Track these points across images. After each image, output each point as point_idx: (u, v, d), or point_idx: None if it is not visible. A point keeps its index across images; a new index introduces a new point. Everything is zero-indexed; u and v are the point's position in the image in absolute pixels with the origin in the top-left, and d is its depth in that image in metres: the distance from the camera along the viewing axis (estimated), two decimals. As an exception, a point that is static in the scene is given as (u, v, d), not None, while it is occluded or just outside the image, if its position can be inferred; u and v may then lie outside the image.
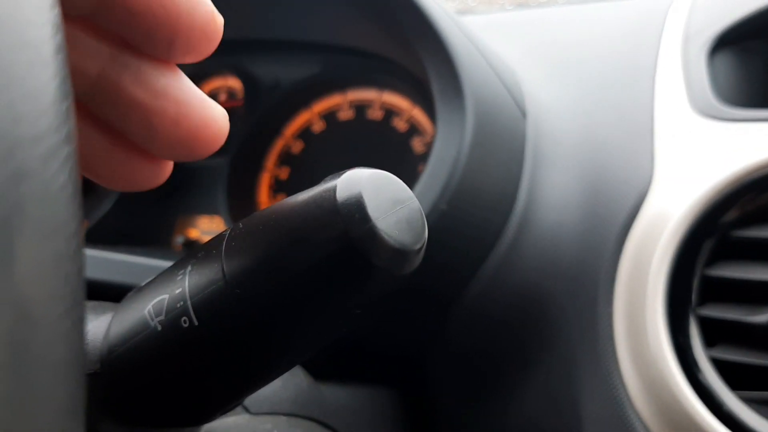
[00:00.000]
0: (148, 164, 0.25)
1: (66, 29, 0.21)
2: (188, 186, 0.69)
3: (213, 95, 0.70)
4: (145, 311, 0.22)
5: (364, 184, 0.20)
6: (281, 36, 0.64)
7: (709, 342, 0.39)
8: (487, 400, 0.48)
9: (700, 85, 0.46)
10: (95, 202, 0.65)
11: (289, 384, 0.37)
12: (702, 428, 0.36)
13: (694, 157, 0.43)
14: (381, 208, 0.19)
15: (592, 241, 0.45)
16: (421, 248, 0.21)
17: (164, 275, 0.23)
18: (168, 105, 0.23)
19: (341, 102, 0.64)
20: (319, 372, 0.41)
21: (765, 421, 0.36)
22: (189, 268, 0.22)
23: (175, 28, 0.22)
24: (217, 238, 0.22)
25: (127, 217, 0.67)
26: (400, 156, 0.60)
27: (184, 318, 0.21)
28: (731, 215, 0.40)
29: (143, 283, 0.24)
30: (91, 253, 0.54)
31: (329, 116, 0.65)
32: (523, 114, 0.49)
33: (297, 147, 0.66)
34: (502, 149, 0.46)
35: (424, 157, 0.59)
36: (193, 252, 0.23)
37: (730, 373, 0.37)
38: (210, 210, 0.67)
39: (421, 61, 0.46)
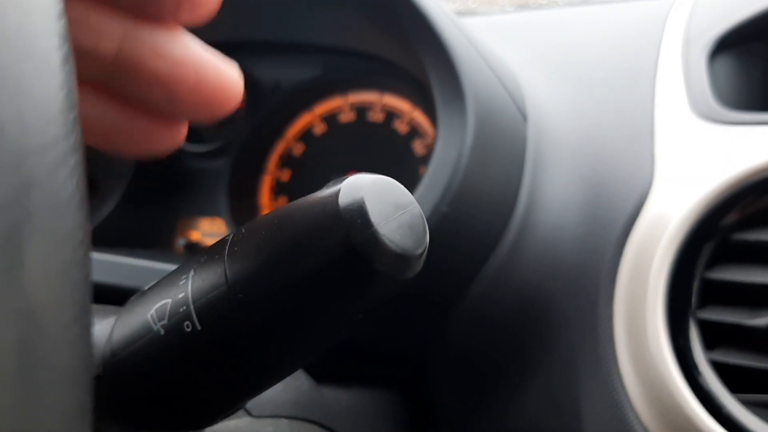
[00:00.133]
0: (167, 128, 0.26)
1: (77, 8, 0.21)
2: (189, 188, 0.69)
3: (214, 97, 0.70)
4: (148, 315, 0.22)
5: (366, 189, 0.20)
6: (282, 38, 0.64)
7: (708, 345, 0.39)
8: (487, 402, 0.48)
9: (701, 87, 0.46)
10: (96, 204, 0.65)
11: (290, 387, 0.37)
12: (701, 431, 0.36)
13: (695, 159, 0.43)
14: (383, 214, 0.20)
15: (593, 243, 0.45)
16: (422, 253, 0.21)
17: (167, 279, 0.23)
18: (187, 72, 0.24)
19: (342, 104, 0.64)
20: (320, 374, 0.41)
21: (765, 424, 0.36)
22: (192, 272, 0.22)
23: None
24: (220, 243, 0.22)
25: (128, 219, 0.67)
26: (400, 158, 0.60)
27: (187, 322, 0.21)
28: (731, 218, 0.40)
29: (146, 287, 0.24)
30: (92, 255, 0.54)
31: (330, 118, 0.65)
32: (524, 117, 0.49)
33: (298, 149, 0.66)
34: (502, 152, 0.47)
35: (425, 159, 0.59)
36: (196, 256, 0.23)
37: (729, 376, 0.37)
38: (211, 212, 0.67)
39: (422, 63, 0.47)
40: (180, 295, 0.22)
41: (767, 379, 0.37)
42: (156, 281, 0.24)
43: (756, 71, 0.51)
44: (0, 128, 0.09)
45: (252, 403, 0.33)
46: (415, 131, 0.60)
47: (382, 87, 0.62)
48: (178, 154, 0.70)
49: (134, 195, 0.67)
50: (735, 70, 0.50)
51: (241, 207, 0.66)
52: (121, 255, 0.54)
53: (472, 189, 0.44)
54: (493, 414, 0.48)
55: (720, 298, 0.39)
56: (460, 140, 0.43)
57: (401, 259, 0.20)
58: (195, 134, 0.70)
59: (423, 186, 0.43)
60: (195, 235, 0.67)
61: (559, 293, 0.45)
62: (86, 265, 0.11)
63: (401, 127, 0.61)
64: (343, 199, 0.20)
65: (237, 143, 0.66)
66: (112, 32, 0.23)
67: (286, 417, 0.35)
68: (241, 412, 0.32)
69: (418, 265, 0.21)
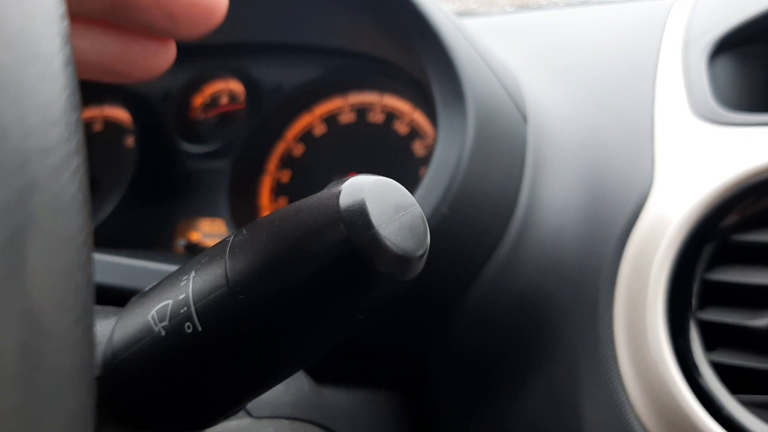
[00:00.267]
0: (162, 47, 0.28)
1: None
2: (190, 189, 0.69)
3: (215, 98, 0.71)
4: (149, 316, 0.22)
5: (367, 191, 0.20)
6: (283, 39, 0.64)
7: (709, 346, 0.39)
8: (488, 403, 0.48)
9: (701, 89, 0.47)
10: (97, 205, 0.65)
11: (290, 387, 0.37)
12: (701, 431, 0.36)
13: (695, 161, 0.43)
14: (384, 215, 0.20)
15: (593, 244, 0.45)
16: (423, 254, 0.21)
17: (168, 280, 0.23)
18: None
19: (342, 105, 0.64)
20: (320, 375, 0.41)
21: (764, 424, 0.36)
22: (193, 273, 0.22)
23: None
24: (221, 244, 0.22)
25: (128, 220, 0.67)
26: (401, 159, 0.60)
27: (187, 323, 0.21)
28: (731, 219, 0.40)
29: (147, 288, 0.24)
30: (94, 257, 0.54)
31: (330, 119, 0.65)
32: (524, 118, 0.49)
33: (298, 150, 0.66)
34: (503, 153, 0.47)
35: (425, 160, 0.59)
36: (197, 257, 0.23)
37: (729, 376, 0.37)
38: (211, 213, 0.67)
39: (422, 64, 0.47)
40: (181, 296, 0.22)
41: (767, 379, 0.37)
42: (157, 282, 0.24)
43: (756, 73, 0.51)
44: (3, 131, 0.09)
45: (252, 404, 0.33)
46: (415, 132, 0.60)
47: (382, 88, 0.62)
48: (179, 155, 0.70)
49: (135, 196, 0.67)
50: (735, 72, 0.50)
51: (241, 208, 0.66)
52: (121, 256, 0.54)
53: (472, 190, 0.44)
54: (493, 414, 0.48)
55: (720, 299, 0.39)
56: (460, 141, 0.43)
57: (402, 260, 0.20)
58: (195, 135, 0.70)
59: (423, 187, 0.43)
60: (195, 236, 0.67)
61: (560, 294, 0.45)
62: (89, 267, 0.11)
63: (401, 128, 0.61)
64: (344, 201, 0.20)
65: (237, 144, 0.66)
66: None
67: (286, 418, 0.35)
68: (241, 413, 0.33)
69: (419, 267, 0.21)
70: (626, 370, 0.40)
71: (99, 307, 0.25)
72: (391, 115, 0.62)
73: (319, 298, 0.20)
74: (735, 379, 0.37)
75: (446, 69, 0.45)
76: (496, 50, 0.53)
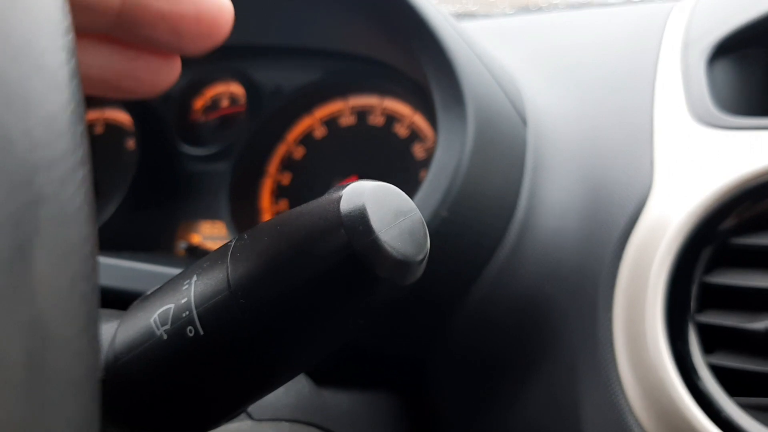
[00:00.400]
0: (167, 63, 0.28)
1: None
2: (190, 191, 0.69)
3: (216, 101, 0.71)
4: (151, 320, 0.23)
5: (367, 196, 0.20)
6: (283, 42, 0.65)
7: (707, 348, 0.39)
8: (488, 404, 0.49)
9: (699, 92, 0.47)
10: (98, 208, 0.66)
11: (291, 390, 0.37)
12: (701, 434, 0.36)
13: (693, 164, 0.43)
14: (384, 220, 0.20)
15: (592, 246, 0.45)
16: (423, 259, 0.21)
17: (170, 284, 0.23)
18: (188, 7, 0.26)
19: (343, 108, 0.64)
20: (321, 377, 0.41)
21: (763, 427, 0.36)
22: (194, 277, 0.22)
23: None
24: (222, 249, 0.23)
25: (129, 222, 0.67)
26: (401, 162, 0.61)
27: (189, 327, 0.21)
28: (730, 222, 0.40)
29: (149, 292, 0.25)
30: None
31: (331, 122, 0.65)
32: (524, 120, 0.50)
33: (299, 152, 0.66)
34: (502, 156, 0.47)
35: (425, 163, 0.60)
36: (198, 261, 0.23)
37: (728, 379, 0.38)
38: (212, 215, 0.67)
39: (422, 67, 0.47)
40: (183, 300, 0.22)
41: (766, 382, 0.37)
42: (159, 286, 0.24)
43: (754, 76, 0.51)
44: (10, 144, 0.09)
45: (253, 407, 0.34)
46: (415, 135, 0.61)
47: (383, 91, 0.62)
48: (179, 158, 0.70)
49: (135, 198, 0.67)
50: (733, 75, 0.50)
51: (241, 210, 0.66)
52: (122, 258, 0.54)
53: (472, 193, 0.44)
54: (493, 416, 0.48)
55: (718, 302, 0.40)
56: (460, 144, 0.43)
57: (402, 265, 0.20)
58: (196, 138, 0.71)
59: (423, 190, 0.43)
60: (196, 238, 0.68)
61: (559, 296, 0.46)
62: (94, 276, 0.11)
63: (401, 130, 0.61)
64: (345, 206, 0.20)
65: (238, 146, 0.66)
66: None
67: (287, 420, 0.35)
68: (242, 416, 0.33)
69: (419, 271, 0.21)
70: (625, 372, 0.40)
71: (101, 310, 0.25)
72: (391, 118, 0.62)
73: (319, 303, 0.20)
74: (734, 382, 0.38)
75: (446, 72, 0.45)
76: (496, 53, 0.54)
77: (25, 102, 0.10)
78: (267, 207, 0.67)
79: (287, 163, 0.66)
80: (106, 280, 0.52)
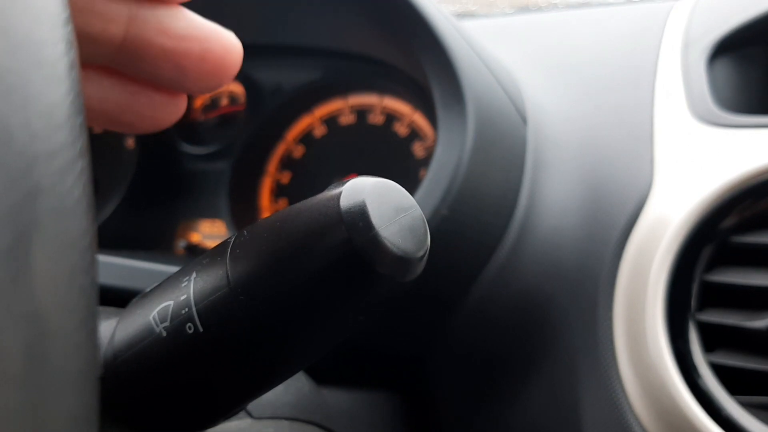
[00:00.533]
0: (171, 100, 0.27)
1: None
2: (190, 190, 0.69)
3: (215, 100, 0.71)
4: (150, 317, 0.22)
5: (368, 192, 0.20)
6: (283, 41, 0.65)
7: (708, 347, 0.39)
8: (489, 404, 0.48)
9: (700, 91, 0.47)
10: (97, 206, 0.66)
11: (290, 388, 0.37)
12: (701, 433, 0.36)
13: (694, 162, 0.43)
14: (384, 217, 0.20)
15: (593, 245, 0.45)
16: (423, 255, 0.21)
17: (169, 281, 0.23)
18: (192, 44, 0.25)
19: (342, 107, 0.64)
20: (321, 376, 0.41)
21: (763, 425, 0.36)
22: (194, 274, 0.22)
23: None
24: (222, 245, 0.22)
25: (128, 221, 0.67)
26: (401, 160, 0.61)
27: (189, 324, 0.21)
28: (730, 221, 0.40)
29: (148, 289, 0.24)
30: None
31: (331, 121, 0.65)
32: (524, 119, 0.49)
33: (298, 151, 0.66)
34: (502, 154, 0.47)
35: (424, 161, 0.60)
36: (198, 259, 0.23)
37: (729, 378, 0.38)
38: (212, 214, 0.67)
39: (422, 66, 0.47)
40: (182, 297, 0.22)
41: (766, 380, 0.37)
42: (158, 283, 0.24)
43: (754, 75, 0.51)
44: (9, 135, 0.09)
45: (253, 405, 0.33)
46: (415, 134, 0.61)
47: (382, 89, 0.62)
48: (179, 156, 0.70)
49: (135, 197, 0.67)
50: (734, 74, 0.50)
51: (241, 209, 0.66)
52: (121, 257, 0.54)
53: (472, 191, 0.44)
54: (493, 415, 0.48)
55: (719, 300, 0.40)
56: (460, 143, 0.43)
57: (402, 261, 0.20)
58: (196, 137, 0.71)
59: (423, 188, 0.43)
60: (195, 237, 0.68)
61: (560, 295, 0.46)
62: (93, 269, 0.11)
63: (401, 129, 0.61)
64: (345, 202, 0.20)
65: (237, 145, 0.66)
66: (118, 16, 0.24)
67: (286, 418, 0.35)
68: (241, 414, 0.33)
69: (419, 268, 0.21)
70: (626, 371, 0.40)
71: (100, 308, 0.25)
72: (391, 117, 0.62)
73: (319, 299, 0.20)
74: (734, 381, 0.37)
75: (446, 71, 0.45)
76: (496, 52, 0.54)
77: (24, 93, 0.10)
78: (266, 206, 0.67)
79: (287, 162, 0.66)
80: (105, 278, 0.52)
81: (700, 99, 0.46)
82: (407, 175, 0.60)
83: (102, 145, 0.73)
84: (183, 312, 0.22)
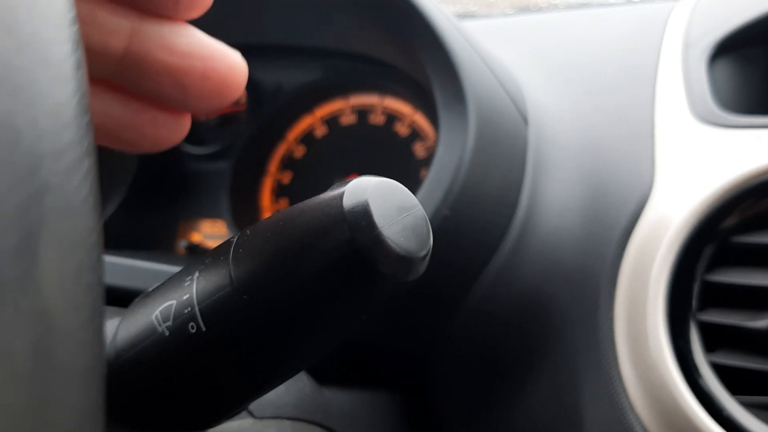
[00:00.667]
0: (173, 119, 0.26)
1: (85, 8, 0.21)
2: (191, 190, 0.69)
3: (216, 100, 0.71)
4: (153, 317, 0.23)
5: (371, 192, 0.20)
6: (284, 41, 0.65)
7: (709, 347, 0.39)
8: (490, 404, 0.49)
9: (701, 91, 0.47)
10: (98, 206, 0.66)
11: (292, 388, 0.37)
12: (702, 432, 0.36)
13: (695, 163, 0.43)
14: (387, 216, 0.20)
15: (594, 245, 0.45)
16: (426, 255, 0.21)
17: (172, 281, 0.23)
18: (195, 62, 0.25)
19: (343, 107, 0.64)
20: (322, 376, 0.41)
21: (765, 425, 0.36)
22: (196, 274, 0.22)
23: None
24: (225, 245, 0.22)
25: (130, 221, 0.67)
26: (402, 161, 0.61)
27: (191, 324, 0.21)
28: (731, 221, 0.40)
29: (150, 289, 0.25)
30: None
31: (332, 121, 0.65)
32: (525, 119, 0.50)
33: (299, 151, 0.66)
34: (504, 154, 0.47)
35: (426, 161, 0.60)
36: (201, 258, 0.23)
37: (730, 378, 0.38)
38: (213, 214, 0.67)
39: (423, 67, 0.47)
40: (185, 297, 0.22)
41: (767, 381, 0.37)
42: (160, 283, 0.24)
43: (755, 75, 0.51)
44: (16, 134, 0.09)
45: (254, 405, 0.34)
46: (416, 134, 0.61)
47: (383, 90, 0.62)
48: (180, 156, 0.70)
49: (136, 197, 0.67)
50: (734, 74, 0.50)
51: (242, 209, 0.66)
52: (123, 257, 0.54)
53: (473, 191, 0.44)
54: (495, 414, 0.48)
55: (720, 300, 0.40)
56: (461, 143, 0.43)
57: (405, 261, 0.20)
58: (197, 137, 0.71)
59: (424, 188, 0.43)
60: (196, 237, 0.68)
61: (561, 295, 0.46)
62: (99, 267, 0.11)
63: (402, 129, 0.61)
64: (348, 202, 0.20)
65: (238, 145, 0.66)
66: (120, 30, 0.24)
67: (288, 418, 0.35)
68: (243, 414, 0.33)
69: (422, 267, 0.21)
70: (627, 371, 0.40)
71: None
72: (392, 117, 0.62)
73: (322, 299, 0.20)
74: (735, 381, 0.38)
75: (447, 71, 0.45)
76: (496, 52, 0.54)
77: (32, 92, 0.10)
78: (267, 206, 0.67)
79: (288, 162, 0.66)
80: (107, 278, 0.52)
81: (700, 99, 0.46)
82: (408, 175, 0.60)
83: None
84: (186, 311, 0.22)
